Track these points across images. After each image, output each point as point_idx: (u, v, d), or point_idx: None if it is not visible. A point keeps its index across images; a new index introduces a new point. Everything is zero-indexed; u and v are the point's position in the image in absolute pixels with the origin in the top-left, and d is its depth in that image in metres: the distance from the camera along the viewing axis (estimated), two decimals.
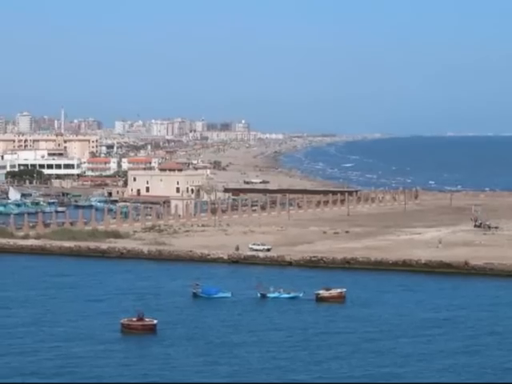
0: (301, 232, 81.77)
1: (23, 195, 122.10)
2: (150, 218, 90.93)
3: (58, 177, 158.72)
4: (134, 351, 41.44)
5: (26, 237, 77.60)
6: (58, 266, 66.72)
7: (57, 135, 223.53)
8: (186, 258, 68.91)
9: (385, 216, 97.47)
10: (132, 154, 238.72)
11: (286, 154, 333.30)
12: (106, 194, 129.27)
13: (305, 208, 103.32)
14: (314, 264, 65.81)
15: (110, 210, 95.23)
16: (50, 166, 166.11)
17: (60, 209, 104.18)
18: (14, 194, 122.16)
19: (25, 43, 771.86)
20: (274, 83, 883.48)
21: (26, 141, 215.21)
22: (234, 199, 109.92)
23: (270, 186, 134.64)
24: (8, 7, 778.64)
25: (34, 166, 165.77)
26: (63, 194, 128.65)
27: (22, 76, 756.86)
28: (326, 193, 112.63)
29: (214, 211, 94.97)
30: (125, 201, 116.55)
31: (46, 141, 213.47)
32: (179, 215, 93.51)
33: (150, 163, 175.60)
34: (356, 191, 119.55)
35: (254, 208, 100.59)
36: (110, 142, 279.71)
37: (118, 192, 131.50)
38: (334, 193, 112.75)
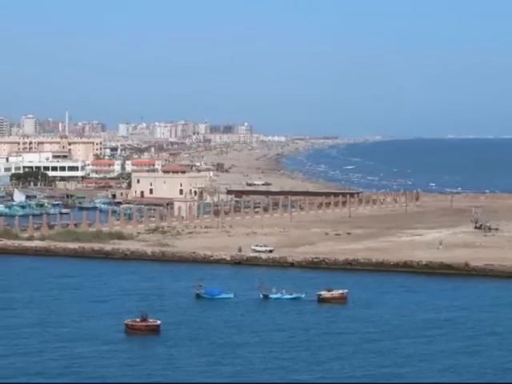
0: (303, 233, 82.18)
1: (28, 197, 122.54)
2: (153, 219, 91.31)
3: (63, 179, 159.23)
4: (138, 351, 41.70)
5: (30, 238, 77.98)
6: (63, 267, 67.02)
7: (61, 137, 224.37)
8: (189, 260, 69.22)
9: (386, 218, 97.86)
10: (136, 156, 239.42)
11: (289, 156, 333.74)
12: (109, 196, 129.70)
13: (307, 210, 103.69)
14: (315, 265, 66.13)
15: (114, 212, 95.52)
16: (54, 168, 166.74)
17: (64, 210, 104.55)
18: (18, 196, 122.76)
19: (29, 46, 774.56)
20: (277, 86, 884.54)
21: (30, 143, 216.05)
22: (236, 201, 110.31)
23: (272, 188, 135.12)
24: (13, 10, 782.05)
25: (38, 168, 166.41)
26: (67, 196, 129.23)
27: (27, 79, 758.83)
28: (327, 195, 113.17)
29: (216, 213, 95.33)
30: (128, 202, 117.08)
31: (51, 143, 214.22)
32: (182, 217, 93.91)
33: (154, 165, 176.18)
34: (357, 193, 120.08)
35: (256, 210, 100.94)
36: (113, 144, 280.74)
37: (121, 194, 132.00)
38: (336, 195, 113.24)
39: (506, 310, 51.43)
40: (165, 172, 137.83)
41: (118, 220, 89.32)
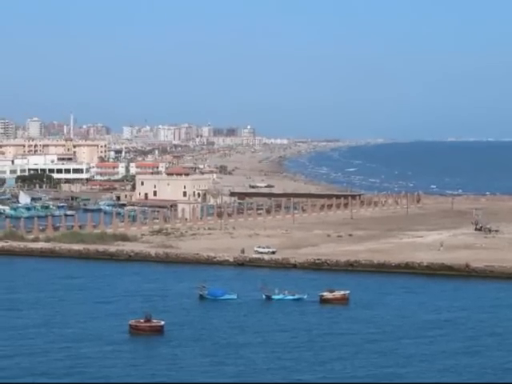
0: (305, 235, 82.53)
1: (33, 199, 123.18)
2: (157, 221, 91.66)
3: (68, 181, 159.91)
4: (142, 352, 41.97)
5: (35, 240, 78.51)
6: (68, 269, 67.41)
7: (66, 140, 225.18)
8: (192, 261, 69.58)
9: (387, 219, 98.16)
10: (140, 158, 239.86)
11: (291, 158, 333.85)
12: (114, 198, 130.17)
13: (309, 212, 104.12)
14: (317, 266, 66.48)
15: (118, 214, 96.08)
16: (59, 171, 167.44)
17: (69, 212, 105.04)
18: (24, 198, 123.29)
19: (35, 50, 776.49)
20: (279, 90, 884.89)
21: (35, 146, 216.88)
22: (239, 203, 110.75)
23: (274, 190, 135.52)
24: (18, 14, 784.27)
25: (43, 170, 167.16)
26: (72, 198, 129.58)
27: (32, 82, 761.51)
28: (329, 197, 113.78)
29: (220, 215, 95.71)
30: (133, 204, 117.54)
31: (56, 146, 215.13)
32: (186, 219, 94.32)
33: (158, 168, 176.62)
34: (359, 195, 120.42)
35: (259, 212, 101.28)
36: (118, 147, 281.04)
37: (126, 196, 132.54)
38: (338, 197, 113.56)
39: (506, 310, 51.65)
40: (168, 174, 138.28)
41: (123, 222, 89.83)
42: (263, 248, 71.20)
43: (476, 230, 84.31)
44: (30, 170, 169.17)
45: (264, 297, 54.57)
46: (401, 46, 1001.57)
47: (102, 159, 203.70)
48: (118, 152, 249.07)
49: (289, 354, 41.11)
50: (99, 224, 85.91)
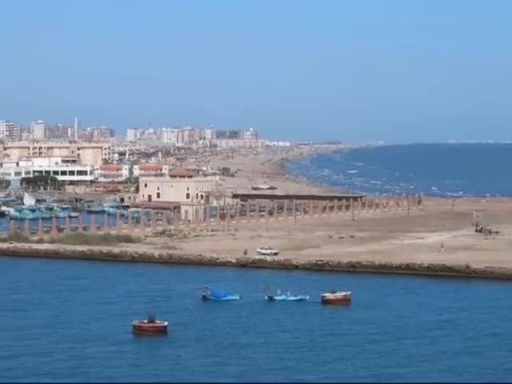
0: (307, 236, 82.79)
1: (38, 201, 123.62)
2: (160, 223, 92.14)
3: (72, 183, 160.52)
4: (145, 352, 42.16)
5: (40, 241, 78.97)
6: (72, 270, 67.79)
7: (70, 142, 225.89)
8: (195, 262, 69.91)
9: (389, 221, 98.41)
10: (143, 160, 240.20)
11: (293, 160, 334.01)
12: (118, 200, 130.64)
13: (311, 213, 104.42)
14: (319, 268, 66.77)
15: (122, 216, 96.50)
16: (63, 173, 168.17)
17: (73, 214, 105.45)
18: (28, 200, 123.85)
19: (39, 53, 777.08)
20: (281, 93, 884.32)
21: (40, 148, 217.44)
22: (242, 205, 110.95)
23: (277, 192, 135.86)
24: (22, 18, 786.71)
25: (48, 172, 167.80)
26: (76, 200, 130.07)
27: (37, 85, 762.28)
28: (331, 198, 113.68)
29: (222, 216, 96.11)
30: (136, 206, 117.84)
31: (60, 148, 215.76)
32: (189, 220, 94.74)
33: (161, 170, 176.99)
34: (361, 197, 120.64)
35: (261, 213, 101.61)
36: (121, 149, 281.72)
37: (129, 198, 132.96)
38: (340, 198, 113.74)
39: (506, 311, 51.85)
40: (172, 176, 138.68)
41: (126, 223, 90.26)
42: (266, 249, 71.50)
43: (476, 231, 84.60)
44: (34, 172, 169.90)
45: (266, 298, 54.87)
46: (402, 49, 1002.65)
47: (105, 161, 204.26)
48: (122, 154, 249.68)
49: (291, 354, 41.34)
50: (103, 225, 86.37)
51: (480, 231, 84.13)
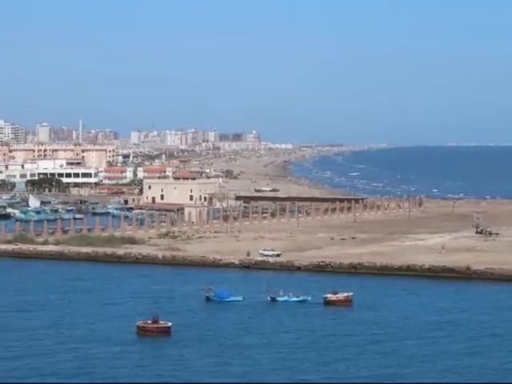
0: (309, 238, 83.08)
1: (43, 203, 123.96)
2: (164, 224, 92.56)
3: (76, 185, 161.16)
4: (149, 352, 42.41)
5: (45, 243, 79.36)
6: (76, 271, 68.15)
7: (75, 145, 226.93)
8: (199, 263, 70.23)
9: (390, 223, 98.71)
10: (147, 163, 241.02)
11: (295, 163, 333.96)
12: (122, 202, 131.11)
13: (313, 215, 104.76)
14: (321, 269, 67.04)
15: (126, 217, 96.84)
16: (68, 175, 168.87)
17: (78, 216, 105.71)
18: (33, 202, 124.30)
19: (44, 56, 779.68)
20: (284, 95, 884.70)
21: (45, 150, 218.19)
22: (245, 207, 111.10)
23: (279, 194, 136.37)
24: (26, 21, 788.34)
25: (53, 174, 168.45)
26: (81, 202, 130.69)
27: (42, 88, 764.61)
28: (333, 200, 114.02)
29: (225, 218, 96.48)
30: (140, 208, 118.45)
31: (65, 150, 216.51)
32: (192, 222, 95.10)
33: (165, 172, 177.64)
34: (362, 199, 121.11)
35: (264, 215, 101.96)
36: (126, 151, 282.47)
37: (133, 200, 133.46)
38: (341, 200, 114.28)
39: (506, 312, 52.08)
40: (175, 178, 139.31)
41: (130, 225, 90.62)
42: (268, 251, 71.83)
43: (477, 233, 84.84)
44: (39, 174, 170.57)
45: (269, 299, 55.17)
46: (403, 51, 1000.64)
47: (110, 164, 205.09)
48: (126, 157, 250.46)
49: (293, 354, 41.57)
50: (107, 227, 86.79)
51: (480, 233, 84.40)
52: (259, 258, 70.19)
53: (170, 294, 57.73)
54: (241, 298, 55.38)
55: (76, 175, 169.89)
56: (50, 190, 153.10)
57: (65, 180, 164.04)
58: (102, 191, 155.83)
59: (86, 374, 38.55)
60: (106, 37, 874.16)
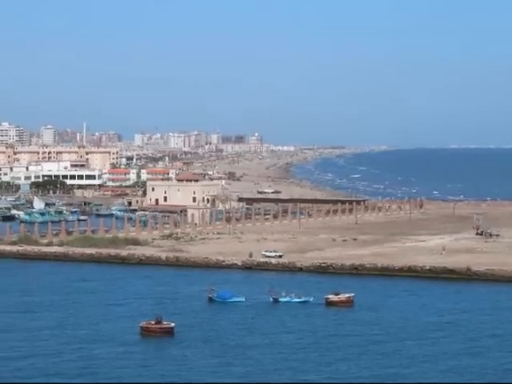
0: (311, 239, 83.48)
1: (47, 204, 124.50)
2: (167, 226, 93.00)
3: (80, 187, 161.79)
4: (153, 353, 42.69)
5: (49, 244, 79.73)
6: (80, 272, 68.51)
7: (79, 147, 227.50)
8: (201, 265, 70.57)
9: (391, 224, 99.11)
10: (151, 165, 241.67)
11: (297, 165, 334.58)
12: (125, 204, 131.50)
13: (315, 217, 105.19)
14: (323, 270, 67.40)
15: (130, 219, 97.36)
16: (72, 177, 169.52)
17: (82, 217, 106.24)
18: (38, 204, 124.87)
19: (48, 59, 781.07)
20: (286, 98, 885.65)
21: (49, 153, 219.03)
22: (247, 208, 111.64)
23: (281, 196, 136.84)
24: (30, 23, 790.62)
25: (57, 176, 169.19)
26: (85, 204, 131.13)
27: (47, 91, 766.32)
28: (335, 202, 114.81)
29: (228, 220, 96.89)
30: (144, 210, 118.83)
31: (69, 153, 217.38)
32: (195, 223, 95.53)
33: (168, 174, 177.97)
34: (364, 201, 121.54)
35: (266, 217, 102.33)
36: (129, 153, 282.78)
37: (137, 201, 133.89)
38: (343, 202, 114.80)
39: (506, 313, 52.42)
40: (179, 180, 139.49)
41: (134, 226, 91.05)
42: (270, 252, 72.18)
43: (477, 234, 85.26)
44: (43, 176, 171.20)
45: (271, 299, 55.50)
46: (404, 53, 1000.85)
47: (113, 166, 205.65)
48: (130, 159, 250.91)
49: (295, 354, 41.88)
50: (111, 229, 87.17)
51: (481, 234, 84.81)
52: (261, 259, 70.55)
53: (173, 294, 58.09)
54: (243, 299, 55.72)
55: (80, 177, 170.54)
56: (54, 192, 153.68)
57: (69, 182, 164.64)
58: (105, 193, 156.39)
59: (90, 374, 38.90)
60: (108, 38, 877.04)
